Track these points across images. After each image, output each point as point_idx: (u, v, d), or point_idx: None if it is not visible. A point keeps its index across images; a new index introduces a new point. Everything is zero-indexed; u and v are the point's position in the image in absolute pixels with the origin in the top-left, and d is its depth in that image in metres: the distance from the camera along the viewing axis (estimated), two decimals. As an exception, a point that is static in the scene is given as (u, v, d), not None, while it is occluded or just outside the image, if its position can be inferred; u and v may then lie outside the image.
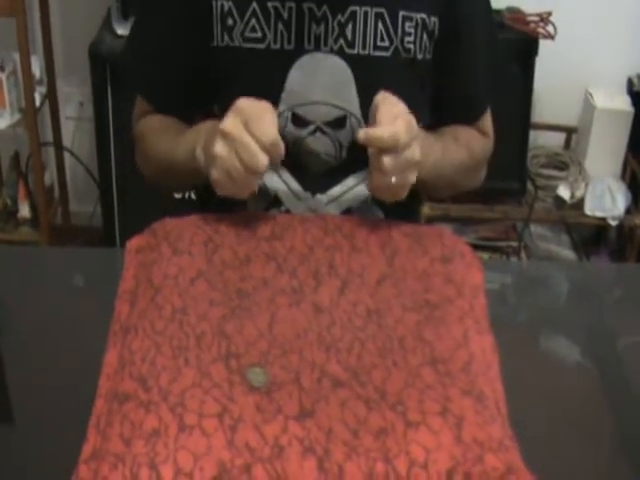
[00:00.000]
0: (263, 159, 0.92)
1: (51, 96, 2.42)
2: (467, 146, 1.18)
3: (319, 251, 0.94)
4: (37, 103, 2.27)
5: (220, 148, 0.93)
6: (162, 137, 1.14)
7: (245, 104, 0.94)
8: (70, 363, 0.93)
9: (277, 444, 0.73)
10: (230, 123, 0.93)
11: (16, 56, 2.16)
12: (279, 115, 1.08)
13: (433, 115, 1.15)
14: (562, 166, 2.50)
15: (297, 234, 0.96)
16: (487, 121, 1.23)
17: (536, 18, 2.27)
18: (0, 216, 2.45)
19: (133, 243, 0.99)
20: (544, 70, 2.33)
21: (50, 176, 2.51)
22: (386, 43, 1.07)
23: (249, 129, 0.92)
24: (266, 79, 1.07)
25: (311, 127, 1.09)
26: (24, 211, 2.43)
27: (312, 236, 0.96)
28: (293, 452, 0.72)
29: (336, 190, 1.11)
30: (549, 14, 2.27)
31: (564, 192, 2.41)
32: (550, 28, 2.27)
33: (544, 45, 2.28)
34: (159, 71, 1.16)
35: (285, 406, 0.77)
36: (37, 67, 2.30)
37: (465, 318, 0.89)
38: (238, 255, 0.93)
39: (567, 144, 2.60)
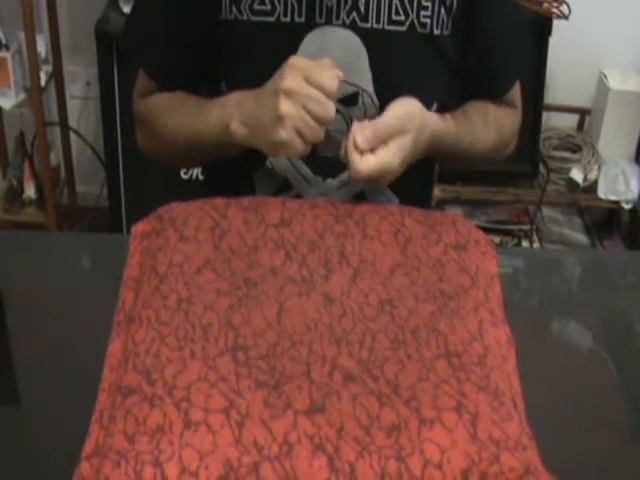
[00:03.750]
0: (332, 107, 0.93)
1: (57, 75, 2.39)
2: (496, 125, 1.16)
3: (330, 238, 0.91)
4: (42, 82, 2.24)
5: (287, 107, 0.92)
6: (175, 114, 1.10)
7: (299, 60, 0.94)
8: (75, 352, 0.91)
9: (286, 441, 0.70)
10: (292, 80, 0.92)
11: (21, 35, 2.13)
12: None
13: (460, 89, 1.12)
14: (575, 148, 2.46)
15: (306, 220, 0.93)
16: (516, 93, 1.20)
17: (551, -2, 2.23)
18: (6, 197, 2.43)
19: (138, 228, 0.96)
20: (558, 51, 2.29)
21: (56, 156, 2.48)
22: (401, 17, 1.04)
23: (312, 82, 0.92)
24: (276, 54, 1.03)
25: None
26: (30, 192, 2.41)
27: (322, 223, 0.93)
28: (303, 450, 0.70)
29: (347, 174, 1.08)
30: (564, -6, 2.23)
31: (577, 175, 2.38)
32: (564, 8, 2.23)
33: (558, 25, 2.24)
34: (163, 47, 1.11)
35: (295, 400, 0.74)
36: (42, 46, 2.27)
37: (480, 309, 0.86)
38: (246, 242, 0.90)
39: (580, 126, 2.56)
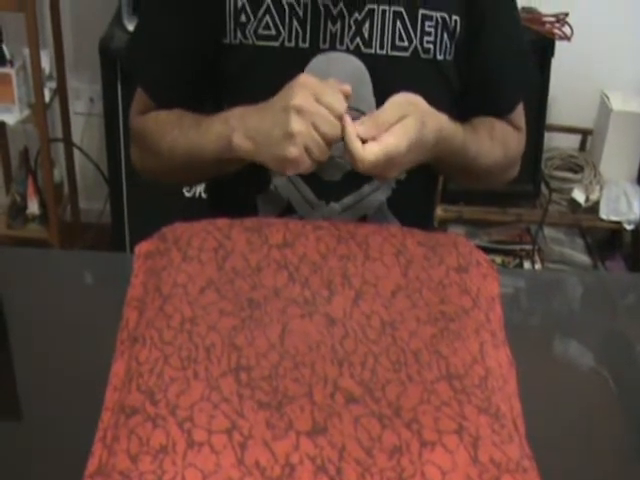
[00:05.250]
0: (340, 127, 0.93)
1: (61, 92, 2.40)
2: (502, 142, 1.15)
3: (332, 260, 0.92)
4: (47, 99, 2.25)
5: (298, 125, 0.91)
6: (173, 129, 1.09)
7: (309, 79, 0.94)
8: (79, 370, 0.91)
9: (288, 462, 0.71)
10: (302, 98, 0.92)
11: (26, 51, 2.14)
12: None
13: (462, 112, 1.12)
14: (577, 169, 2.47)
15: (309, 242, 0.93)
16: (519, 115, 1.19)
17: (552, 19, 2.24)
18: (9, 212, 2.43)
19: (142, 248, 0.97)
20: (560, 71, 2.30)
21: (59, 173, 2.49)
22: (405, 43, 1.04)
23: (321, 101, 0.92)
24: (280, 78, 1.04)
25: None
26: (33, 207, 2.41)
27: (325, 244, 0.93)
28: (304, 471, 0.70)
29: (350, 199, 1.09)
30: (566, 15, 2.24)
31: (579, 195, 2.38)
32: (566, 29, 2.24)
33: (560, 46, 2.25)
34: (163, 66, 1.11)
35: (297, 421, 0.74)
36: (47, 62, 2.28)
37: (481, 331, 0.87)
38: (249, 263, 0.91)
39: (582, 146, 2.57)
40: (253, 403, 0.76)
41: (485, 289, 0.94)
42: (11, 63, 2.15)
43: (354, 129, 0.93)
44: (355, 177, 1.05)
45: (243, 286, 0.88)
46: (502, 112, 1.17)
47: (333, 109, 0.92)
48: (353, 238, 0.95)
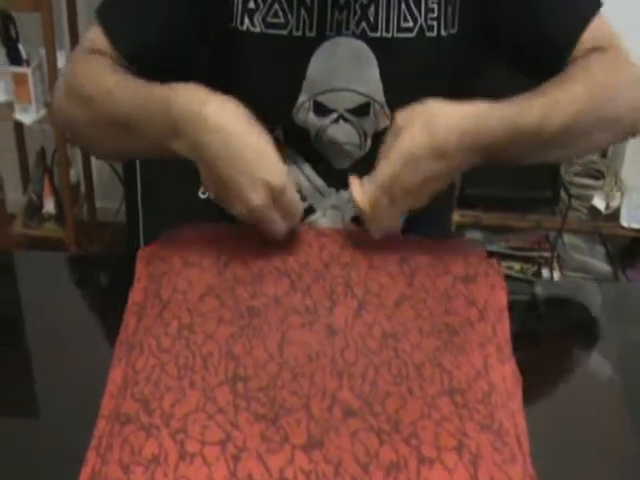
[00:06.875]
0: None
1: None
2: (614, 73, 0.95)
3: (335, 268, 0.90)
4: (64, 99, 2.25)
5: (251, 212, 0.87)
6: (116, 76, 0.95)
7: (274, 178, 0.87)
8: (81, 376, 0.89)
9: (282, 477, 0.69)
10: (259, 202, 0.86)
11: (42, 51, 2.14)
12: (299, 107, 1.04)
13: (470, 89, 1.06)
14: (597, 175, 2.43)
15: (312, 250, 0.92)
16: (599, 29, 0.99)
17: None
18: (25, 212, 2.44)
19: (145, 252, 0.96)
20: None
21: (76, 173, 2.49)
22: (410, 23, 1.02)
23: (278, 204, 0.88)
24: (287, 67, 1.02)
25: (334, 115, 1.05)
26: (49, 207, 2.41)
27: (328, 252, 0.92)
28: (298, 486, 0.68)
29: None
30: None
31: (599, 202, 2.35)
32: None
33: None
34: (143, 25, 1.01)
35: (292, 435, 0.72)
36: (63, 62, 2.28)
37: (487, 344, 0.84)
38: (251, 270, 0.89)
39: (603, 153, 2.53)
40: (249, 415, 0.74)
41: (493, 300, 0.92)
42: (27, 63, 2.15)
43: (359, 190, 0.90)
44: (365, 165, 1.03)
45: (243, 293, 0.86)
46: (572, 35, 0.98)
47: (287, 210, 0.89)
48: (357, 246, 0.93)
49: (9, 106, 2.24)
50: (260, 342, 0.81)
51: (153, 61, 1.02)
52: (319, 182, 1.09)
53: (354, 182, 0.92)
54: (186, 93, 0.88)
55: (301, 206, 0.91)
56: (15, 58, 2.15)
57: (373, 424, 0.74)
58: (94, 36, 1.01)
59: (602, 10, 1.02)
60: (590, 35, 0.98)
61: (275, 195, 0.87)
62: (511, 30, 1.02)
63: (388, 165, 0.88)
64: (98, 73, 0.96)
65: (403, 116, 0.90)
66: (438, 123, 0.87)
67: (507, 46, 1.04)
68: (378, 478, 0.69)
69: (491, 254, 1.00)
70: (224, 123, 0.86)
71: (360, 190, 0.91)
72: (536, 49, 1.01)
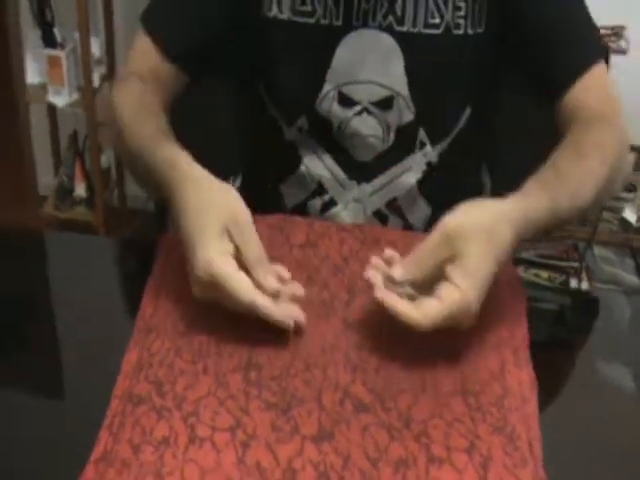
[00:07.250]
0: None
1: (110, 77, 2.41)
2: (601, 159, 0.97)
3: (354, 264, 0.90)
4: (96, 83, 2.26)
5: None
6: (143, 121, 0.99)
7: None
8: (103, 356, 0.89)
9: (290, 467, 0.69)
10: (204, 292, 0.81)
11: (76, 35, 2.15)
12: (324, 97, 1.03)
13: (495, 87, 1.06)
14: (630, 187, 2.40)
15: (332, 244, 0.92)
16: (602, 98, 1.05)
17: (608, 32, 2.18)
18: (57, 194, 2.46)
19: (165, 239, 0.97)
20: (615, 87, 2.24)
21: (107, 158, 2.50)
22: (437, 20, 1.02)
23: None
24: (313, 56, 1.03)
25: (357, 107, 1.05)
26: (80, 190, 2.43)
27: (348, 247, 0.91)
28: (306, 477, 0.68)
29: (381, 179, 1.07)
30: (622, 28, 2.18)
31: (630, 215, 2.32)
32: (622, 43, 2.18)
33: (616, 60, 2.18)
34: (183, 23, 1.05)
35: (303, 425, 0.72)
36: (97, 47, 2.29)
37: (503, 348, 0.84)
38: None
39: (638, 165, 2.50)
40: (260, 402, 0.74)
41: (512, 305, 0.91)
42: (62, 46, 2.17)
43: (393, 300, 0.77)
44: (387, 158, 1.02)
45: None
46: (574, 71, 1.04)
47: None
48: (378, 243, 0.92)
49: (42, 88, 2.25)
50: (275, 331, 0.81)
51: (195, 59, 1.06)
52: (340, 174, 1.09)
53: (406, 309, 0.77)
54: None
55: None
56: (50, 41, 2.16)
57: (384, 419, 0.73)
58: (140, 44, 1.06)
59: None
60: (589, 82, 1.06)
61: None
62: (521, 42, 1.04)
63: (456, 293, 0.77)
64: (132, 110, 0.99)
65: (453, 228, 0.79)
66: (498, 240, 0.80)
67: (513, 52, 1.06)
68: (386, 474, 0.69)
69: (519, 261, 0.99)
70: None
71: (418, 315, 0.77)
72: (536, 68, 1.04)
